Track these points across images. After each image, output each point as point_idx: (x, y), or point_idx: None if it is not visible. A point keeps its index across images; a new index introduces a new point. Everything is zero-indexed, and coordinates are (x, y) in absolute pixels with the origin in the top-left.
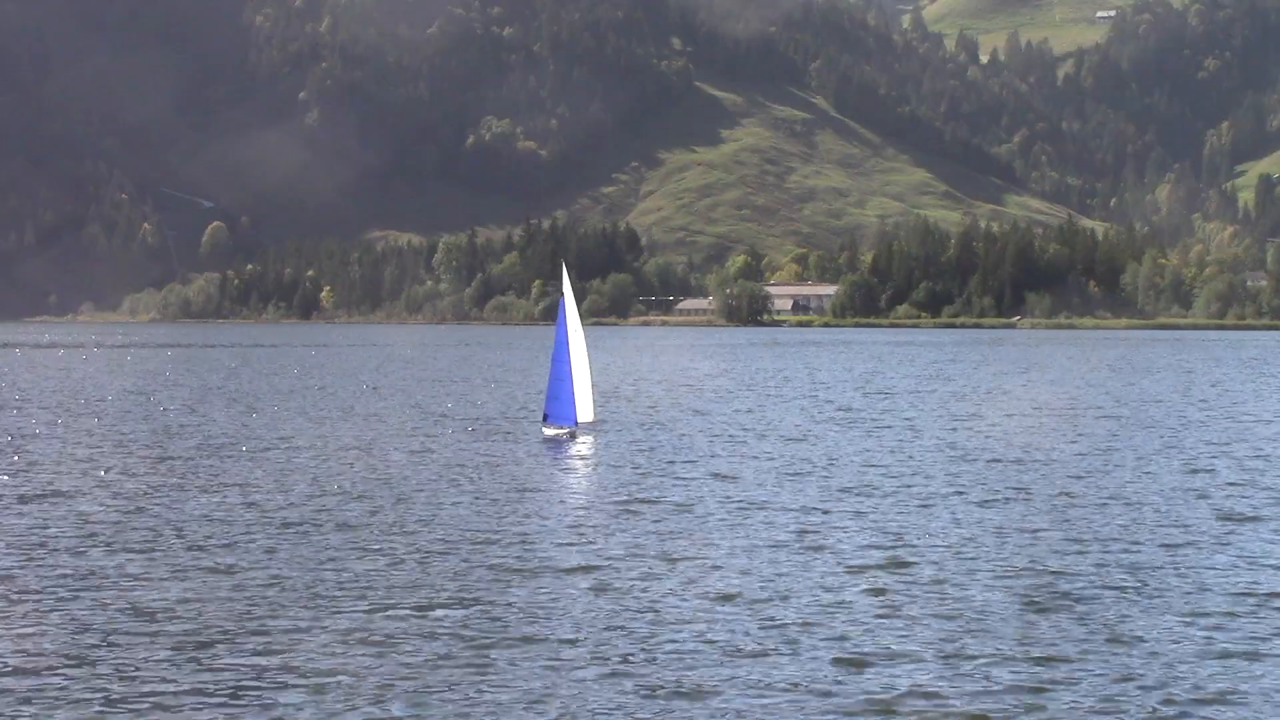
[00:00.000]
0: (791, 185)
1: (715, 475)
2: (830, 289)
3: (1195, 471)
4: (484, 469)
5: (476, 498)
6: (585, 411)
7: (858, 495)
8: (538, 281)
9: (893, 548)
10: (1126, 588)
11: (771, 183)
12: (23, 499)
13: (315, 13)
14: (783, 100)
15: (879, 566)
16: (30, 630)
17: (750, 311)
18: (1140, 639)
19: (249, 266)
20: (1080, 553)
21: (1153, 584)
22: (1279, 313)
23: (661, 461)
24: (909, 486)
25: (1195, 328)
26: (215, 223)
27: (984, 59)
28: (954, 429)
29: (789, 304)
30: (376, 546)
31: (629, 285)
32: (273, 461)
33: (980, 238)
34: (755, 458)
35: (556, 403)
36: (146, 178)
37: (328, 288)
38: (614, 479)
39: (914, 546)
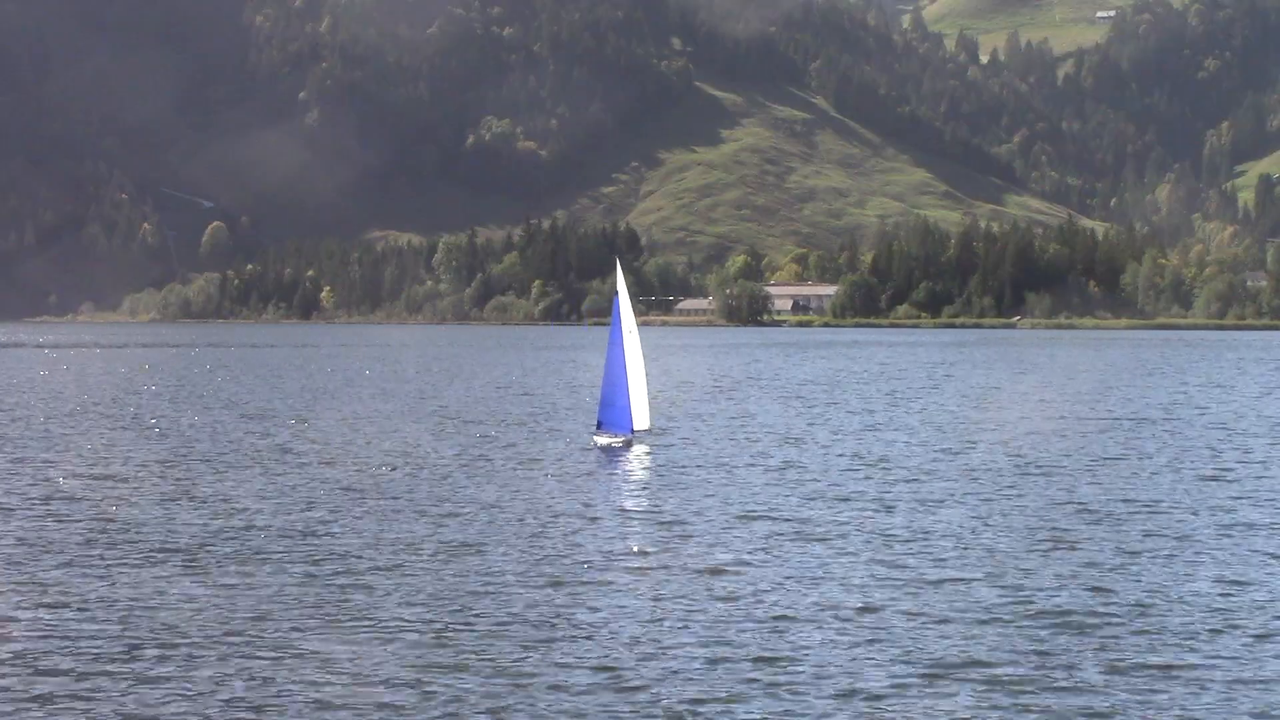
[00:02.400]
0: (791, 185)
1: (799, 486)
2: (830, 289)
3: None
4: (537, 484)
5: (529, 523)
6: (641, 419)
7: (918, 505)
8: (538, 281)
9: (941, 562)
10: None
11: (771, 183)
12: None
13: (315, 13)
14: (783, 100)
15: (926, 580)
16: (57, 632)
17: (750, 312)
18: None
19: (249, 266)
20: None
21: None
22: (1279, 313)
23: (730, 472)
24: (973, 495)
25: (1195, 328)
26: (215, 223)
27: (984, 59)
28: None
29: (789, 304)
30: (421, 567)
31: (629, 285)
32: (322, 467)
33: (980, 238)
34: (833, 469)
35: (612, 409)
36: (146, 178)
37: (328, 288)
38: (685, 492)
39: (974, 561)
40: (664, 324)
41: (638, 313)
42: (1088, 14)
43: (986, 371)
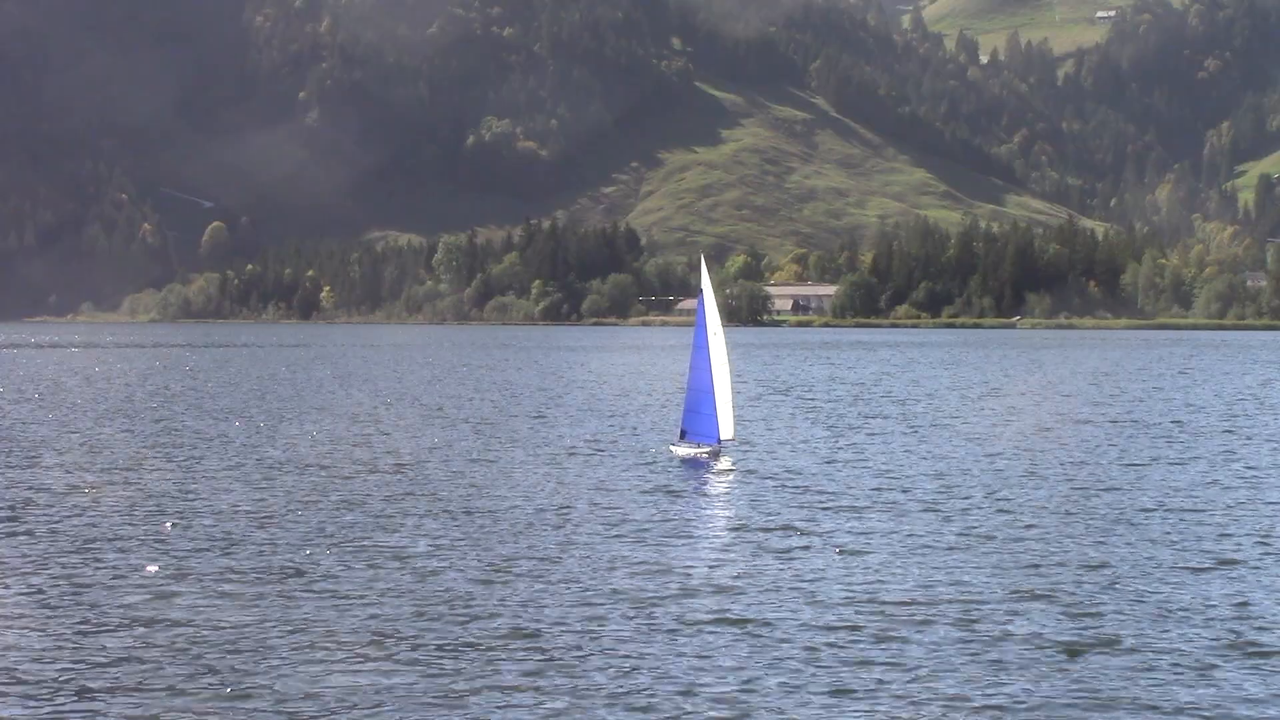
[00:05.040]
0: (791, 185)
1: (899, 497)
2: (830, 289)
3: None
4: (626, 501)
5: (623, 542)
6: (727, 427)
7: (1018, 515)
8: (537, 281)
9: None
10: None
11: (771, 183)
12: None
13: (315, 13)
14: (783, 100)
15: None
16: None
17: (750, 312)
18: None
19: (249, 266)
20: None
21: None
22: (1279, 313)
23: (834, 485)
24: (1072, 508)
25: (1195, 328)
26: (215, 223)
27: (984, 59)
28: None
29: (789, 304)
30: (488, 593)
31: (629, 285)
32: (386, 476)
33: (980, 238)
34: (937, 480)
35: (697, 417)
36: (146, 178)
37: (328, 288)
38: (796, 507)
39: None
40: (664, 324)
41: (636, 313)
42: (1088, 14)
43: (1031, 373)
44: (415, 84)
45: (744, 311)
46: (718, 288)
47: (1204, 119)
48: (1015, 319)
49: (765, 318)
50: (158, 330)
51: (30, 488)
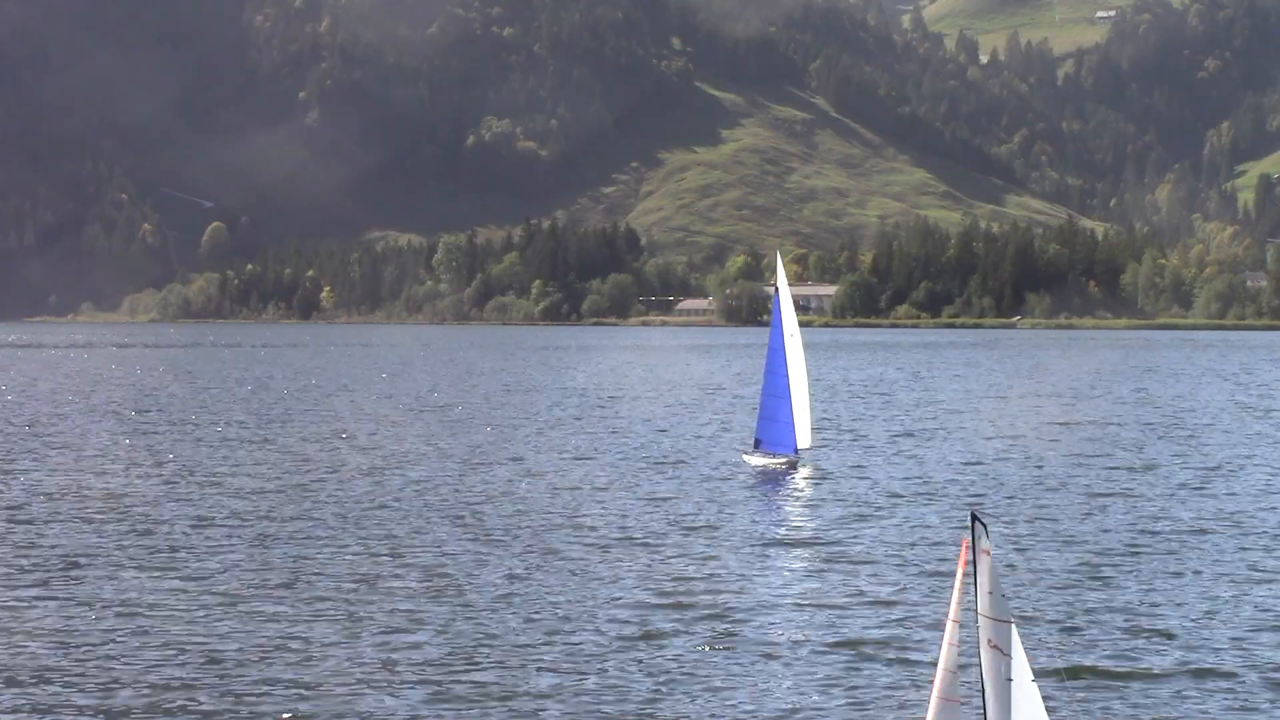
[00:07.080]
0: (791, 185)
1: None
2: (830, 289)
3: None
4: (697, 516)
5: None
6: (804, 436)
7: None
8: (537, 281)
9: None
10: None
11: (771, 183)
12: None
13: (315, 13)
14: (783, 100)
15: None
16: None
17: (750, 312)
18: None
19: (249, 266)
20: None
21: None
22: (1279, 313)
23: (921, 501)
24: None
25: (1195, 328)
26: (215, 223)
27: (984, 59)
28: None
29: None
30: (575, 612)
31: (629, 285)
32: (453, 488)
33: (980, 238)
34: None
35: (773, 425)
36: (146, 178)
37: (328, 288)
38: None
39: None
40: (664, 324)
41: (636, 313)
42: (1088, 14)
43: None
44: (415, 84)
45: (744, 311)
46: (717, 288)
47: (1204, 119)
48: (1015, 319)
49: (766, 318)
50: (158, 330)
51: (26, 490)
